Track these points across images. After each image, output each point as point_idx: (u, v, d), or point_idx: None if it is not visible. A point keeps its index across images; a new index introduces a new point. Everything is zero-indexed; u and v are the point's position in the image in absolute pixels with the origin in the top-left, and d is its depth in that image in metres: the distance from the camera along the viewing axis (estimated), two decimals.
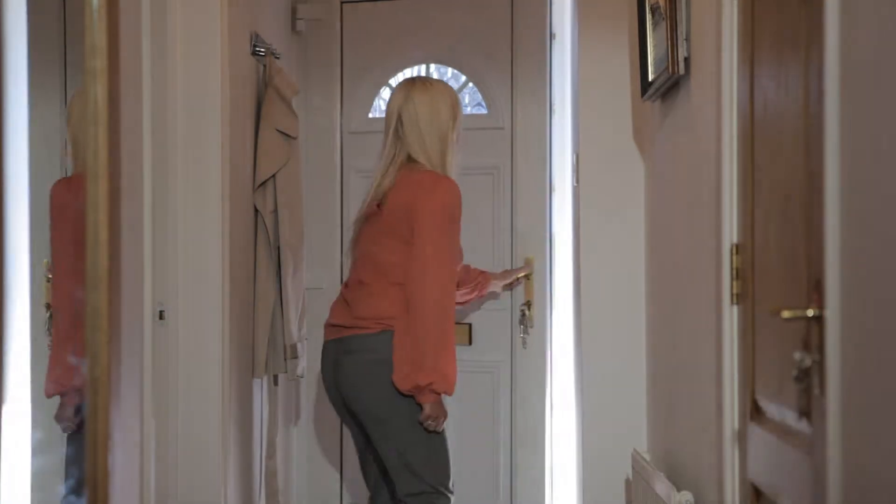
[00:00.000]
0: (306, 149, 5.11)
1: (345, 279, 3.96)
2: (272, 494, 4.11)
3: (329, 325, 3.77)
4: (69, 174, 3.00)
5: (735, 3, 2.75)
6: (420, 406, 3.60)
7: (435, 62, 5.17)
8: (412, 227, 3.62)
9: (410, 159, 3.75)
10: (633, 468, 3.93)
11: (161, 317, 3.20)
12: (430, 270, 3.56)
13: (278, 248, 4.17)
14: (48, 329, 2.83)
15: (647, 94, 3.83)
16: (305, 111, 5.12)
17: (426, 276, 3.55)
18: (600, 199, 4.28)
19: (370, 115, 5.24)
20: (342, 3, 5.24)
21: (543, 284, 4.89)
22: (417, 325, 3.53)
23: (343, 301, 3.76)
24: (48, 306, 2.91)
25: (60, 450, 2.89)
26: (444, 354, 3.55)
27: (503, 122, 5.05)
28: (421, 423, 3.64)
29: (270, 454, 4.27)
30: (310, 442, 5.19)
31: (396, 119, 3.78)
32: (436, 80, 3.94)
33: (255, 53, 3.80)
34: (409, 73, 5.14)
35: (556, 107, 4.61)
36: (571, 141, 4.47)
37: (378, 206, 3.70)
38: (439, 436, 3.69)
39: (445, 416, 3.67)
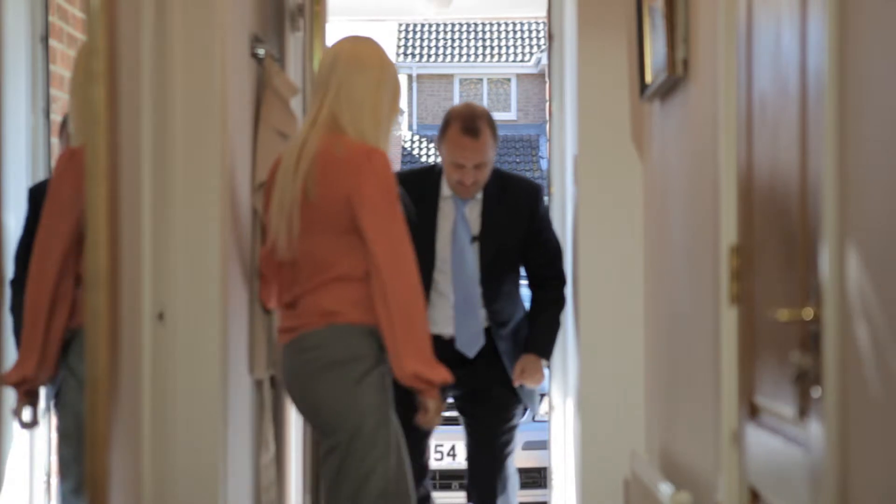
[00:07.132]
0: None
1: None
2: (267, 489, 4.12)
3: (279, 331, 3.39)
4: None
5: (732, 4, 2.76)
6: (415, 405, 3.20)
7: None
8: (353, 216, 3.18)
9: (334, 126, 3.25)
10: (631, 469, 3.94)
11: (161, 318, 3.20)
12: (401, 256, 3.16)
13: None
14: None
15: (645, 96, 3.83)
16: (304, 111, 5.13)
17: (400, 265, 3.14)
18: (599, 200, 4.28)
19: None
20: None
21: None
22: (403, 315, 3.11)
23: (285, 305, 3.36)
24: None
25: None
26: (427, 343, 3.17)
27: None
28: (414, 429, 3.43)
29: (266, 451, 4.27)
30: (307, 441, 5.19)
31: (328, 72, 3.29)
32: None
33: (254, 55, 3.80)
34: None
35: (555, 107, 4.62)
36: (570, 142, 4.48)
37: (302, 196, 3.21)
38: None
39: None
